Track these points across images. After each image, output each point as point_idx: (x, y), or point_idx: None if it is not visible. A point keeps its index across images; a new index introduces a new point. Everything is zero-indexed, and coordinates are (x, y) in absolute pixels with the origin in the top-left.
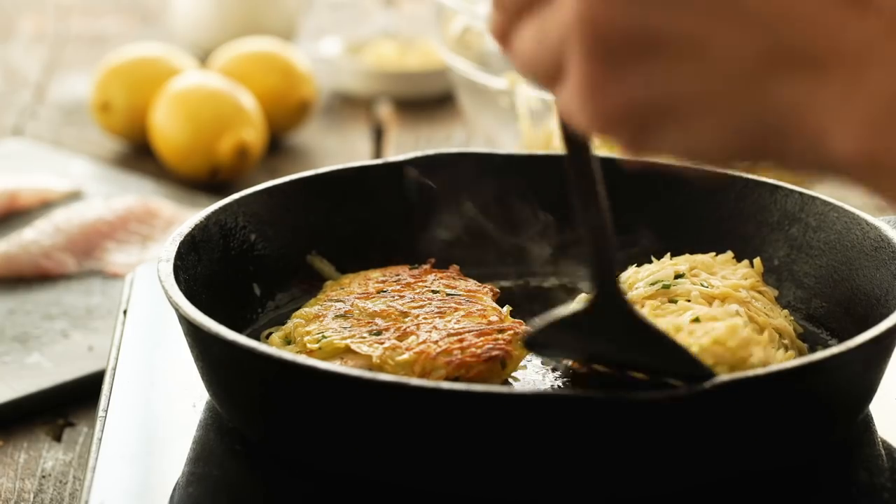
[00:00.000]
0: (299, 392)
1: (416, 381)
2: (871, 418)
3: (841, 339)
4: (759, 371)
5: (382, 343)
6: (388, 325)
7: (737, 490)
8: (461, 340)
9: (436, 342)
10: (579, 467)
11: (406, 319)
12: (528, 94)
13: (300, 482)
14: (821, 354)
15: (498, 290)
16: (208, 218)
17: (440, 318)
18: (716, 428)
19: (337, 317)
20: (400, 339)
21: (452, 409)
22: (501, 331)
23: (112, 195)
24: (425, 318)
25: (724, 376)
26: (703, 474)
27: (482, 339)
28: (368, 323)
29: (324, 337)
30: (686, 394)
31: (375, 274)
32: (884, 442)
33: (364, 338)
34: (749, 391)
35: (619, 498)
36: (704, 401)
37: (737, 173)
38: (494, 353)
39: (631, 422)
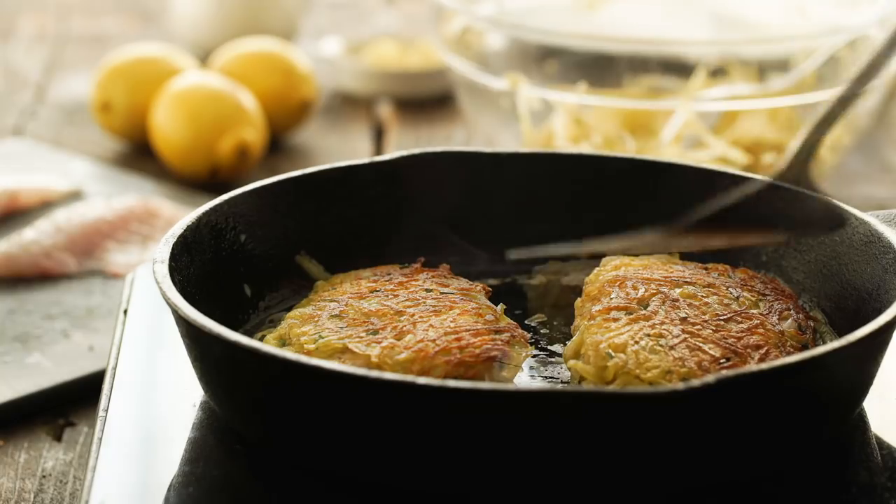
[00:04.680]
0: (305, 392)
1: (423, 380)
2: (866, 414)
3: (833, 333)
4: (762, 366)
5: (380, 342)
6: (384, 324)
7: (737, 489)
8: (458, 339)
9: (433, 341)
10: (584, 465)
11: (402, 318)
12: (529, 95)
13: (298, 481)
14: (822, 349)
15: (490, 287)
16: (199, 219)
17: (436, 315)
18: (715, 424)
19: (332, 317)
20: (397, 337)
21: (458, 406)
22: (498, 331)
23: (112, 195)
24: (421, 317)
25: (725, 372)
26: (702, 472)
27: (479, 338)
28: (364, 322)
29: (321, 337)
30: (686, 389)
31: (367, 273)
32: (878, 438)
33: (361, 337)
34: (749, 387)
35: (619, 497)
36: (704, 396)
37: (723, 169)
38: (493, 353)
39: (633, 417)
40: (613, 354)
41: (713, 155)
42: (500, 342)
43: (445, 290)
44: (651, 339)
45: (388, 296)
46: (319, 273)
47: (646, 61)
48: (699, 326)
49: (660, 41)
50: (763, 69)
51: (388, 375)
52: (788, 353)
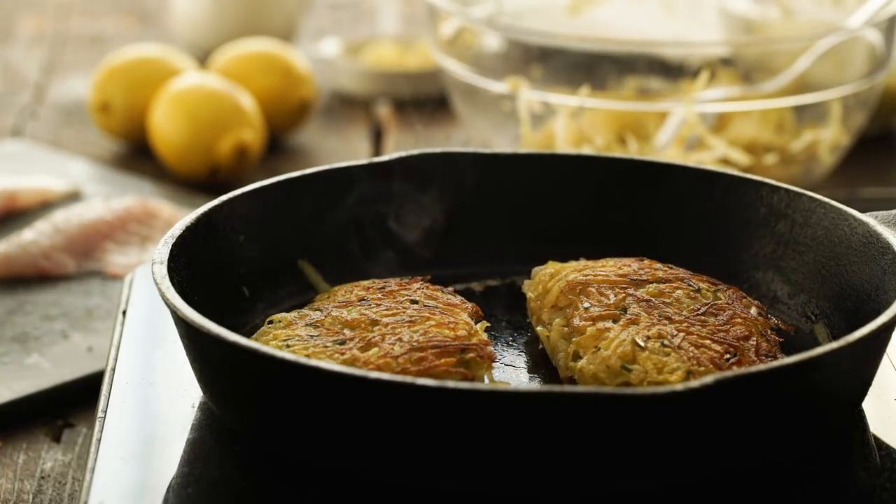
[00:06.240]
0: (304, 393)
1: (422, 381)
2: (864, 414)
3: (832, 334)
4: (761, 367)
5: (343, 354)
6: (353, 334)
7: (736, 486)
8: (422, 360)
9: (395, 358)
10: (582, 462)
11: (374, 328)
12: (529, 97)
13: (296, 482)
14: (821, 349)
15: (481, 312)
16: (198, 220)
17: (409, 326)
18: (714, 424)
19: (308, 325)
20: (362, 349)
21: (455, 407)
22: (465, 349)
23: (111, 196)
24: (393, 328)
25: (726, 372)
26: (702, 469)
27: (443, 359)
28: (337, 332)
29: (287, 346)
30: (685, 389)
31: (366, 283)
32: (876, 439)
33: (327, 347)
34: (748, 387)
35: (618, 492)
36: (702, 396)
37: (722, 170)
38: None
39: (632, 416)
40: (630, 367)
41: (715, 156)
42: (462, 368)
43: (431, 302)
44: (653, 340)
45: (371, 304)
46: (318, 281)
47: (643, 62)
48: (687, 323)
49: (655, 43)
50: (757, 70)
51: (387, 376)
52: (770, 341)
